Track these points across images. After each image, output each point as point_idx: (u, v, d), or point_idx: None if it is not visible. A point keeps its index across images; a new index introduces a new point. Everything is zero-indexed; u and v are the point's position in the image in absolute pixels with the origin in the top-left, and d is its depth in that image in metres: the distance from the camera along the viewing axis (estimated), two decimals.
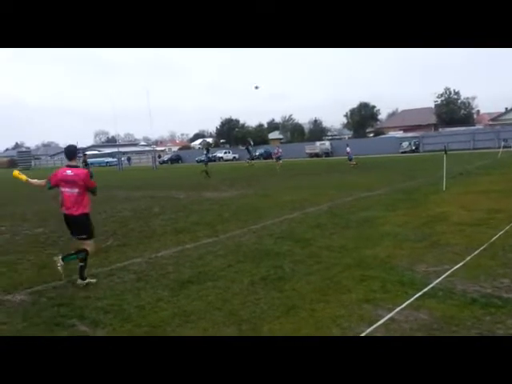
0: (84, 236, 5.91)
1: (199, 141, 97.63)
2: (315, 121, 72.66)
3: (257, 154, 59.59)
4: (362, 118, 66.80)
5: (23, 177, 6.22)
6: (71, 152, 6.00)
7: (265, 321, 4.27)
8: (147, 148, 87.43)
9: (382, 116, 75.67)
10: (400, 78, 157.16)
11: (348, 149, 29.17)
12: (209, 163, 27.84)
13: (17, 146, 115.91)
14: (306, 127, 73.03)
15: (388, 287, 4.96)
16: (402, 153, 48.40)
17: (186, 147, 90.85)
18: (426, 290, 4.80)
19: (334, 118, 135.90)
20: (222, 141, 74.71)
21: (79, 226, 5.88)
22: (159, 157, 64.23)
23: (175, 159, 68.97)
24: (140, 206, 14.00)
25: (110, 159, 70.47)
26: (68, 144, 6.31)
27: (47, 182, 5.93)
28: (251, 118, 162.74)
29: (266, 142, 69.33)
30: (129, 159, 67.44)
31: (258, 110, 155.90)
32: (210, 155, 27.66)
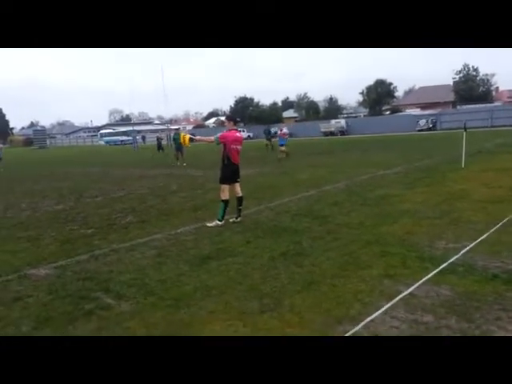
0: (239, 179, 7.91)
1: (213, 119, 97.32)
2: (330, 99, 71.63)
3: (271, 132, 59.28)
4: (379, 96, 65.58)
5: (187, 136, 8.22)
6: (236, 120, 8.54)
7: (286, 295, 4.32)
8: (161, 126, 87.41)
9: (399, 93, 74.11)
10: (417, 55, 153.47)
11: (285, 129, 23.25)
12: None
13: (32, 124, 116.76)
14: (321, 105, 72.11)
15: (408, 263, 4.96)
16: (419, 131, 47.59)
17: (200, 126, 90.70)
18: (446, 265, 4.80)
19: (350, 96, 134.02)
20: (237, 119, 74.27)
21: (239, 171, 7.90)
22: None
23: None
24: (157, 184, 14.13)
25: (124, 138, 70.68)
26: (229, 113, 8.89)
27: (216, 139, 7.69)
28: (266, 97, 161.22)
29: (280, 120, 68.76)
30: (143, 138, 67.52)
31: (272, 89, 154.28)
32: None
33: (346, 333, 3.50)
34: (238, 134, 7.84)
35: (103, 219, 8.75)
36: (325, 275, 4.79)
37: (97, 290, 4.80)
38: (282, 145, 21.45)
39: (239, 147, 7.77)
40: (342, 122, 57.27)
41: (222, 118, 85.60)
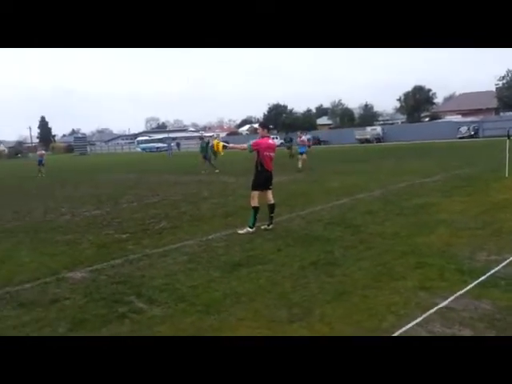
0: (272, 186, 7.89)
1: (246, 127, 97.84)
2: (366, 105, 70.62)
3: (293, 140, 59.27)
4: (417, 102, 64.13)
5: (221, 144, 8.38)
6: (269, 127, 8.23)
7: (316, 304, 4.24)
8: (196, 134, 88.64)
9: (439, 100, 72.06)
10: (458, 58, 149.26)
11: (304, 136, 20.22)
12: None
13: (73, 132, 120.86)
14: (356, 112, 71.20)
15: (446, 275, 4.77)
16: (460, 138, 46.10)
17: (233, 133, 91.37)
18: (487, 278, 4.58)
19: (387, 103, 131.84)
20: (270, 127, 74.48)
21: (271, 178, 7.89)
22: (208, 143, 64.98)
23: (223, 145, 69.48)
24: (190, 190, 14.29)
25: (160, 145, 72.03)
26: (262, 121, 9.35)
27: (249, 147, 7.81)
28: (300, 104, 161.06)
29: (314, 127, 68.42)
30: (178, 145, 68.58)
31: (306, 95, 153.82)
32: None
33: None
34: (270, 141, 7.87)
35: (137, 224, 8.91)
36: (356, 286, 4.67)
37: (130, 294, 4.87)
38: (302, 153, 19.65)
39: (272, 154, 7.78)
40: (378, 129, 56.29)
41: (256, 126, 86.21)
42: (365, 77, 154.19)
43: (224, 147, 8.24)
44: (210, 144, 21.05)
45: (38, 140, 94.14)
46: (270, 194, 7.82)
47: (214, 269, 5.61)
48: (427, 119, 64.26)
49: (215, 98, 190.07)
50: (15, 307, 4.67)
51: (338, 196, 11.06)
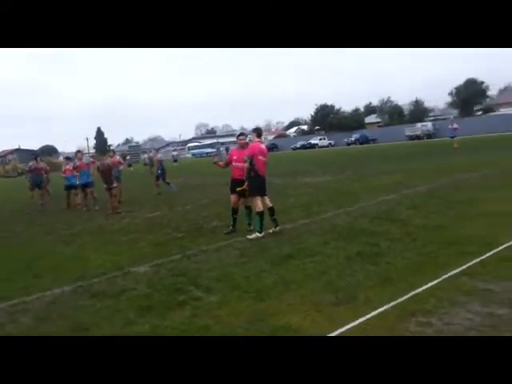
0: (266, 192, 7.85)
1: (294, 128, 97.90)
2: (416, 101, 68.76)
3: (352, 139, 58.74)
4: (469, 96, 61.78)
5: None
6: (261, 131, 8.26)
7: (360, 289, 4.54)
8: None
9: (493, 92, 68.95)
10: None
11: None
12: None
13: (127, 141, 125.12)
14: (406, 108, 69.53)
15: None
16: None
17: (281, 135, 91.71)
18: None
19: (437, 97, 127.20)
20: (316, 127, 74.26)
21: (265, 183, 7.84)
22: None
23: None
24: None
25: (209, 150, 73.63)
26: (256, 126, 8.86)
27: (247, 159, 7.57)
28: (348, 103, 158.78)
29: (362, 126, 67.59)
30: (227, 149, 69.71)
31: (355, 94, 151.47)
32: None
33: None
34: (262, 146, 7.90)
35: (192, 224, 9.48)
36: (400, 272, 4.92)
37: (189, 284, 5.36)
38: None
39: (265, 159, 7.78)
40: (429, 125, 54.81)
41: (303, 127, 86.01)
42: (415, 73, 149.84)
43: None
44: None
45: (94, 150, 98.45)
46: (266, 198, 7.81)
47: (264, 261, 6.02)
48: (480, 113, 61.71)
49: (262, 100, 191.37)
50: (89, 298, 5.27)
51: (383, 193, 11.17)
